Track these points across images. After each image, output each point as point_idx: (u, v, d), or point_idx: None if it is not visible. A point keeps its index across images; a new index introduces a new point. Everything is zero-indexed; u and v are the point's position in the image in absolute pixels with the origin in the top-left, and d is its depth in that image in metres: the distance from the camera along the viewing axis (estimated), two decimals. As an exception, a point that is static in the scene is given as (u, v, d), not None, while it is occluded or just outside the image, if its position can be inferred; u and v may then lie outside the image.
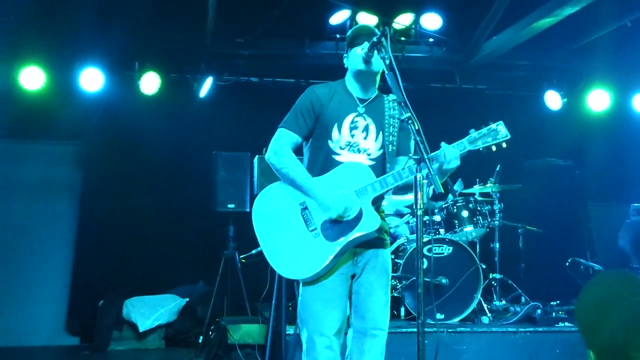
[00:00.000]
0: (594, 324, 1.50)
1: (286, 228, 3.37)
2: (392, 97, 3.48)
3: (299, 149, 3.53)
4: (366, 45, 3.39)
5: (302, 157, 3.57)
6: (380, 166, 3.48)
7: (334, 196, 3.32)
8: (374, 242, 3.45)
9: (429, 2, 6.88)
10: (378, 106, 3.55)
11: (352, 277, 3.46)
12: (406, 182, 3.33)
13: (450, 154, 3.29)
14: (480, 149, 3.42)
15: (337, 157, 3.44)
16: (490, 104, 7.86)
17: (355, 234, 3.33)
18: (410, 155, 3.31)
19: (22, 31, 6.44)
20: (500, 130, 3.43)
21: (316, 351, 3.34)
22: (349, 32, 3.59)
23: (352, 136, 3.45)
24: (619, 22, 6.42)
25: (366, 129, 3.48)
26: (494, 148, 3.43)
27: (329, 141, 3.44)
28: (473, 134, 3.42)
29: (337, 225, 3.34)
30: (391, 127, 3.51)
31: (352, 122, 3.47)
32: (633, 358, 1.40)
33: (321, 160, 3.46)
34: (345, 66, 3.60)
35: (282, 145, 3.44)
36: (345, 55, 3.59)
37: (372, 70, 3.45)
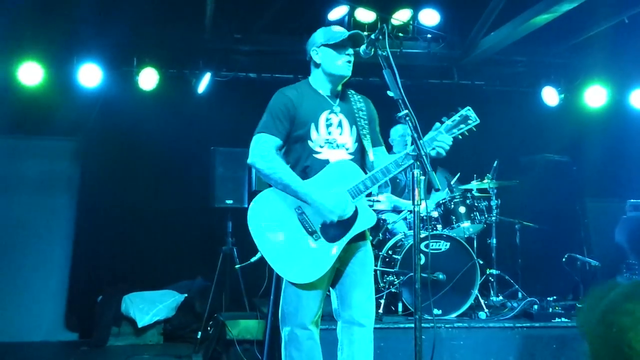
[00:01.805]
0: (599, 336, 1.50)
1: (286, 234, 3.42)
2: (389, 94, 3.51)
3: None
4: (351, 50, 3.49)
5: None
6: (359, 159, 3.57)
7: (332, 200, 3.36)
8: (356, 236, 3.51)
9: (427, -2, 6.91)
10: (346, 101, 3.66)
11: (334, 270, 3.52)
12: (395, 176, 3.44)
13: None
14: (457, 136, 3.50)
15: (317, 156, 3.51)
16: (487, 100, 7.86)
17: (355, 231, 3.42)
18: (408, 151, 3.33)
19: (20, 27, 6.43)
20: (470, 116, 3.52)
21: (299, 342, 3.44)
22: (333, 31, 3.62)
23: (329, 133, 3.54)
24: (616, 18, 6.42)
25: (340, 124, 3.57)
26: (467, 133, 3.52)
27: (309, 141, 3.51)
28: (447, 121, 3.50)
29: (335, 226, 3.40)
30: (361, 119, 3.61)
31: (327, 119, 3.56)
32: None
33: (303, 160, 3.52)
34: (314, 60, 3.63)
35: (267, 150, 3.46)
36: (315, 49, 3.62)
37: (348, 75, 3.57)
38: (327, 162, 3.50)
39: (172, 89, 7.32)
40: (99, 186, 7.46)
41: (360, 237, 3.56)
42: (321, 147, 3.51)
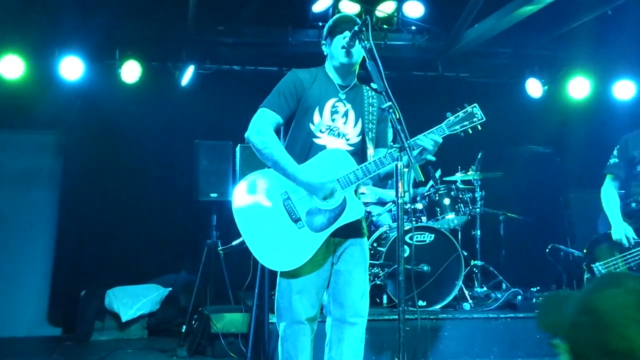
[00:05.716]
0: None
1: (269, 219, 3.35)
2: (373, 86, 3.49)
3: (278, 130, 3.53)
4: (347, 34, 3.41)
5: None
6: (358, 152, 3.51)
7: (319, 178, 3.31)
8: (352, 231, 3.47)
9: (411, -11, 6.89)
10: (357, 94, 3.60)
11: (331, 266, 3.47)
12: (388, 170, 3.35)
13: (428, 142, 3.32)
14: (459, 133, 3.43)
15: (316, 140, 3.46)
16: (472, 92, 7.86)
17: (341, 223, 3.35)
18: (391, 144, 3.32)
19: (0, 19, 6.35)
20: (476, 113, 3.45)
21: (295, 338, 3.39)
22: (330, 21, 3.59)
23: (333, 120, 3.49)
24: (600, 9, 6.44)
25: (346, 114, 3.52)
26: (470, 131, 3.45)
27: (310, 124, 3.46)
28: (450, 117, 3.43)
29: (321, 215, 3.34)
30: (370, 114, 3.55)
31: (333, 106, 3.51)
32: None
33: (301, 143, 3.47)
34: (325, 53, 3.62)
35: (264, 125, 3.42)
36: (324, 42, 3.61)
37: (352, 62, 3.49)
38: (324, 147, 3.45)
39: (155, 81, 7.27)
40: (82, 180, 7.40)
41: (357, 233, 3.50)
42: (322, 132, 3.46)
